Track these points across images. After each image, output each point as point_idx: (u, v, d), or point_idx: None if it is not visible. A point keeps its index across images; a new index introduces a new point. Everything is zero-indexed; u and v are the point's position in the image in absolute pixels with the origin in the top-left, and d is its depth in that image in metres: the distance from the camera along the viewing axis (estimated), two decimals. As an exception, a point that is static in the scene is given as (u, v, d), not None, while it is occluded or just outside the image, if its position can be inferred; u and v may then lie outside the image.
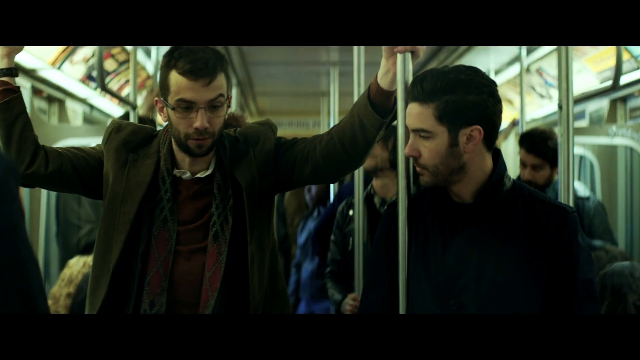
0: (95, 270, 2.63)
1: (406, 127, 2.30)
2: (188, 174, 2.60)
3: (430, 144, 2.21)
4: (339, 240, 4.07)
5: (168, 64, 2.50)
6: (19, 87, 2.59)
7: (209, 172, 2.61)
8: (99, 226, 2.65)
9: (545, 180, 4.39)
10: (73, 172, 2.60)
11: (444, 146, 2.20)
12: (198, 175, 2.61)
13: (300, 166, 2.62)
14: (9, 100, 2.54)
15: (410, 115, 2.25)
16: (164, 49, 5.54)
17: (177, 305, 2.56)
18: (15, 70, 2.59)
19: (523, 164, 4.48)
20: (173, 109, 2.49)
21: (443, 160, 2.22)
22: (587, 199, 4.48)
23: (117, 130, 2.66)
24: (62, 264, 5.16)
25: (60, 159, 2.59)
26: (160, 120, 6.43)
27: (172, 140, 2.60)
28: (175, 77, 2.47)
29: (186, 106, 2.47)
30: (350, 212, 4.02)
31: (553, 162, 4.34)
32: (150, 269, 2.55)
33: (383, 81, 2.43)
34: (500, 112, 2.25)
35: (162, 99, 2.54)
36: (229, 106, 2.58)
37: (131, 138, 2.65)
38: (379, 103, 2.44)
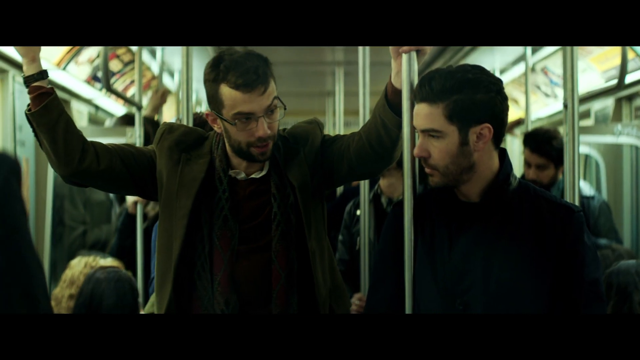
0: (159, 269, 2.65)
1: (412, 127, 2.30)
2: (243, 175, 2.63)
3: (441, 144, 2.21)
4: (347, 240, 4.07)
5: (216, 78, 2.49)
6: (52, 88, 2.57)
7: (263, 172, 2.64)
8: (158, 226, 2.68)
9: (550, 179, 4.38)
10: (123, 168, 2.61)
11: (454, 145, 2.20)
12: (253, 176, 2.63)
13: (337, 165, 2.65)
14: (46, 104, 2.52)
15: (418, 115, 2.25)
16: (169, 50, 5.56)
17: (241, 303, 2.59)
18: (45, 72, 2.57)
19: (527, 164, 4.46)
20: (233, 123, 2.50)
21: (454, 160, 2.22)
22: (592, 198, 4.47)
23: (169, 131, 2.68)
24: (54, 264, 5.16)
25: (109, 154, 2.60)
26: (166, 120, 6.45)
27: (227, 144, 2.61)
28: (227, 91, 2.47)
29: (245, 118, 2.49)
30: (358, 212, 4.01)
31: (557, 162, 4.33)
32: (218, 269, 2.58)
33: (396, 82, 2.44)
34: (507, 109, 2.25)
35: (214, 112, 2.55)
36: (284, 107, 2.58)
37: (183, 139, 2.67)
38: (396, 102, 2.43)
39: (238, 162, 2.62)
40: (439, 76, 2.21)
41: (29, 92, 2.54)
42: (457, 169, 2.23)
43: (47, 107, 2.52)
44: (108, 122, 5.97)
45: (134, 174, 2.63)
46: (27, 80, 2.54)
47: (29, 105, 2.55)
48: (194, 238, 2.59)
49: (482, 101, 2.18)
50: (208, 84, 2.53)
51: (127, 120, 5.52)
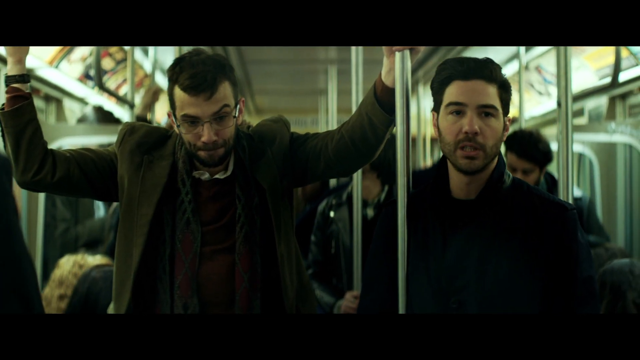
0: (118, 275, 2.62)
1: (407, 125, 2.30)
2: (207, 175, 2.60)
3: (494, 123, 2.23)
4: (320, 241, 4.00)
5: (171, 78, 2.50)
6: (29, 94, 2.56)
7: (228, 173, 2.61)
8: (118, 231, 2.65)
9: (534, 182, 4.35)
10: (81, 176, 2.58)
11: (502, 127, 2.26)
12: (217, 177, 2.61)
13: (313, 163, 2.63)
14: (19, 107, 2.51)
15: (475, 91, 2.22)
16: (162, 48, 5.56)
17: (204, 306, 2.57)
18: (27, 76, 2.56)
19: (512, 169, 4.36)
20: (178, 125, 2.51)
21: (497, 143, 2.25)
22: (580, 199, 4.47)
23: (131, 132, 2.65)
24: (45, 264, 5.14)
25: (67, 164, 2.57)
26: (158, 118, 6.44)
27: None
28: (178, 92, 2.48)
29: (191, 121, 2.48)
30: (332, 214, 3.97)
31: (542, 164, 4.31)
32: (179, 272, 2.56)
33: (387, 79, 2.43)
34: None
35: (171, 112, 2.55)
36: (240, 113, 2.57)
37: (145, 140, 2.64)
38: (386, 100, 2.43)
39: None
40: (489, 61, 2.26)
41: (7, 92, 2.54)
42: (495, 151, 2.26)
43: (20, 110, 2.52)
44: (85, 110, 5.92)
45: (93, 181, 2.61)
46: (8, 80, 2.54)
47: (3, 104, 2.54)
48: (155, 243, 2.57)
49: (510, 94, 2.27)
50: (168, 83, 2.54)
51: (102, 113, 5.49)
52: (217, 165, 2.57)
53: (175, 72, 2.48)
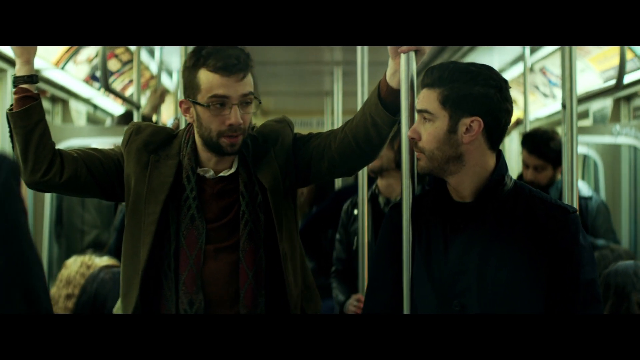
0: (125, 274, 2.63)
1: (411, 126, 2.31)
2: (211, 173, 2.61)
3: (430, 127, 2.23)
4: (344, 239, 4.06)
5: (196, 63, 2.51)
6: (38, 94, 2.58)
7: (232, 170, 2.62)
8: (125, 230, 2.66)
9: (548, 180, 4.38)
10: (88, 176, 2.59)
11: (442, 131, 2.22)
12: (221, 174, 2.62)
13: (316, 163, 2.64)
14: (27, 108, 2.52)
15: (418, 99, 2.28)
16: (168, 49, 5.57)
17: (209, 303, 2.58)
18: (35, 77, 2.57)
19: (525, 165, 4.46)
20: (207, 106, 2.50)
21: (440, 146, 2.23)
22: (590, 198, 4.47)
23: (137, 132, 2.66)
24: (58, 264, 5.16)
25: (74, 164, 2.58)
26: (164, 119, 6.46)
27: (197, 139, 2.61)
28: (206, 75, 2.49)
29: (220, 103, 2.49)
30: (355, 212, 4.00)
31: (555, 163, 4.33)
32: (184, 268, 2.57)
33: (392, 81, 2.44)
34: (507, 110, 2.24)
35: (189, 99, 2.55)
36: (259, 102, 2.60)
37: (152, 139, 2.65)
38: (390, 101, 2.44)
39: (207, 158, 2.61)
40: (443, 66, 2.25)
41: (15, 93, 2.55)
42: (442, 155, 2.23)
43: (28, 111, 2.53)
44: (108, 123, 5.97)
45: (100, 181, 2.62)
46: (16, 81, 2.56)
47: (12, 105, 2.56)
48: (161, 240, 2.58)
49: (478, 94, 2.20)
50: (187, 71, 2.54)
51: (127, 119, 5.52)
52: (233, 154, 2.58)
53: (202, 56, 2.49)
